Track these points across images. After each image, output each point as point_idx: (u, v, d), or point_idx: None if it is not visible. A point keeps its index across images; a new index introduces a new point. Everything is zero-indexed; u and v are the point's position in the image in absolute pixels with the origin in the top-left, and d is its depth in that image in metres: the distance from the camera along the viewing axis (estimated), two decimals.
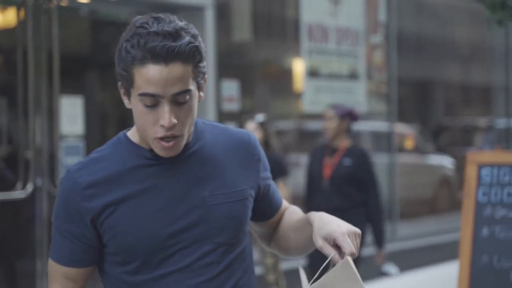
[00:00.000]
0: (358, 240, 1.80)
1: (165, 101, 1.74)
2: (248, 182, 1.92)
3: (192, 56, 1.74)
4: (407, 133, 10.79)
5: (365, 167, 5.56)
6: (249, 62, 8.76)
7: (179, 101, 1.76)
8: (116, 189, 1.82)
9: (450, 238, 9.58)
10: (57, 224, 1.87)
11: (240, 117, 7.92)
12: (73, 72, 6.35)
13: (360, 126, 9.70)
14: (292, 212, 2.06)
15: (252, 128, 5.93)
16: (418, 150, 11.07)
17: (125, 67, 1.75)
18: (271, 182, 2.03)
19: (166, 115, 1.74)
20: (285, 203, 2.09)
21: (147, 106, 1.75)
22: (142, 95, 1.74)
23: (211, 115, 6.93)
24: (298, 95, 8.80)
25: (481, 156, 4.85)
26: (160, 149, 1.80)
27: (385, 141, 9.79)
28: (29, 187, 5.71)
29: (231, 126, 2.02)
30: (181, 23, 1.76)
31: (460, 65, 11.99)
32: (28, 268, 5.78)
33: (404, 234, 9.70)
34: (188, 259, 1.84)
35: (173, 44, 1.71)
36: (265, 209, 2.02)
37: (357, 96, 9.11)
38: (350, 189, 5.54)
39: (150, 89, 1.73)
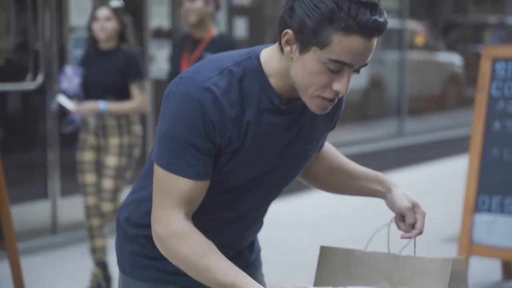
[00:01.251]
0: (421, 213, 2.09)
1: (350, 70, 1.75)
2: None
3: (385, 29, 1.75)
4: (417, 29, 10.66)
5: None
6: None
7: (357, 69, 1.78)
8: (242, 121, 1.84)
9: (458, 133, 9.59)
10: (182, 135, 1.78)
11: (251, 12, 7.80)
12: None
13: None
14: (336, 154, 2.16)
15: (103, 16, 4.59)
16: (428, 47, 10.96)
17: (322, 27, 1.71)
18: None
19: (346, 83, 1.75)
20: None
21: (330, 70, 1.74)
22: (335, 61, 1.72)
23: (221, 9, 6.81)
24: None
25: (496, 50, 4.77)
26: (317, 107, 1.80)
27: (396, 38, 9.68)
28: (39, 78, 5.67)
29: None
30: None
31: None
32: (39, 159, 5.80)
33: (413, 129, 9.71)
34: (258, 196, 1.97)
35: (382, 21, 1.72)
36: None
37: None
38: None
39: (347, 59, 1.72)
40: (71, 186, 5.86)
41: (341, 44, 1.70)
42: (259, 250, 2.19)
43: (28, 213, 5.64)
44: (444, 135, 10.00)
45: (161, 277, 1.99)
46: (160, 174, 1.82)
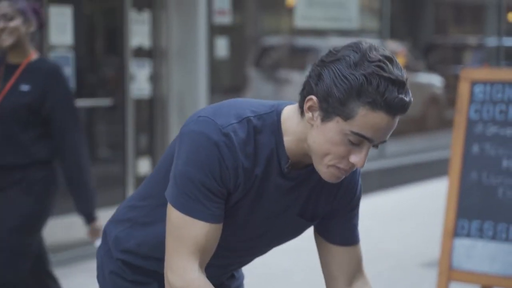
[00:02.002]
0: None
1: (370, 144, 1.76)
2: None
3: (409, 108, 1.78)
4: (398, 50, 10.71)
5: (55, 96, 3.59)
6: None
7: (376, 145, 1.78)
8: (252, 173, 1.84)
9: (439, 155, 9.62)
10: (198, 177, 1.78)
11: (232, 32, 7.81)
12: None
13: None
14: None
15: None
16: (408, 67, 11.01)
17: (349, 99, 1.71)
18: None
19: (364, 157, 1.75)
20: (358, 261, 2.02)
21: (350, 142, 1.74)
22: (357, 134, 1.72)
23: (202, 29, 6.82)
24: (289, 10, 8.67)
25: (474, 73, 4.79)
26: (331, 175, 1.79)
27: None
28: None
29: None
30: (403, 71, 1.76)
31: None
32: None
33: (393, 151, 9.73)
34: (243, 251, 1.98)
35: (407, 101, 1.73)
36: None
37: (350, 11, 8.98)
38: (27, 133, 3.59)
39: (369, 133, 1.73)
40: None
41: (366, 118, 1.70)
42: (242, 277, 2.19)
43: None
44: (425, 157, 10.03)
45: None
46: (174, 216, 1.80)
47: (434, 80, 11.34)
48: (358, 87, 1.69)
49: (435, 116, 11.25)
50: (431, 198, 8.03)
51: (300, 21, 8.51)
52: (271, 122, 1.82)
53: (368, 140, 1.73)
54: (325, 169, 1.77)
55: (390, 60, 1.72)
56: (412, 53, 11.06)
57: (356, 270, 1.97)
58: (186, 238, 1.78)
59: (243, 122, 1.79)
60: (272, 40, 8.96)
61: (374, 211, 7.70)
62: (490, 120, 4.59)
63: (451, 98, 4.90)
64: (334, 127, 1.72)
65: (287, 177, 1.84)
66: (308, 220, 1.94)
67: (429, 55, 11.77)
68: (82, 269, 5.56)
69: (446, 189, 4.62)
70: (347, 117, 1.70)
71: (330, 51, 1.76)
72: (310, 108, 1.75)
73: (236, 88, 8.43)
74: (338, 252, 1.95)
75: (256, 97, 1.86)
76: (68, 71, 5.88)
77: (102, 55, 6.92)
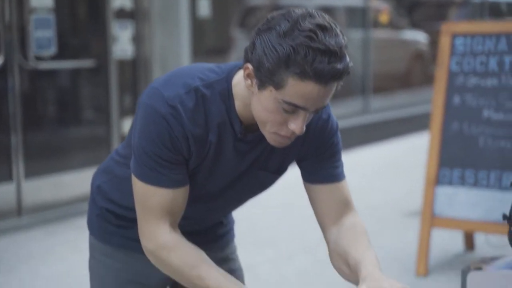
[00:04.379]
0: None
1: (306, 112, 1.75)
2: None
3: (347, 74, 1.74)
4: (382, 8, 10.77)
5: None
6: None
7: (316, 111, 1.78)
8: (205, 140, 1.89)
9: (422, 110, 9.74)
10: (151, 149, 1.84)
11: None
12: None
13: (335, 1, 9.67)
14: (354, 236, 1.95)
15: None
16: (392, 25, 11.08)
17: (278, 70, 1.71)
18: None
19: (300, 124, 1.76)
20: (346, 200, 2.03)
21: (285, 110, 1.75)
22: (289, 104, 1.73)
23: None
24: None
25: (455, 26, 4.90)
26: (274, 142, 1.82)
27: (360, 17, 9.78)
28: (0, 60, 5.69)
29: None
30: (342, 38, 1.72)
31: None
32: (3, 142, 5.83)
33: (377, 107, 9.85)
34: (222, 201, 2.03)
35: (340, 68, 1.69)
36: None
37: None
38: None
39: (301, 103, 1.73)
40: (35, 168, 5.92)
41: (296, 88, 1.70)
42: (232, 223, 2.28)
43: None
44: (409, 112, 10.17)
45: (125, 243, 2.10)
46: (138, 186, 1.88)
47: (419, 37, 11.42)
48: (286, 57, 1.68)
49: (420, 72, 11.36)
50: (415, 152, 8.16)
51: None
52: (220, 89, 1.86)
53: (301, 108, 1.74)
54: (268, 135, 1.81)
55: (323, 28, 1.69)
56: (396, 10, 11.13)
57: (344, 206, 2.00)
58: (152, 205, 1.86)
59: (191, 92, 1.83)
60: (257, 0, 9.00)
61: (357, 165, 7.84)
62: (470, 71, 4.71)
63: (436, 54, 5.00)
64: (268, 96, 1.74)
65: (243, 140, 1.89)
66: (273, 173, 1.99)
67: (413, 12, 11.83)
68: (72, 226, 5.67)
69: (429, 141, 4.75)
70: (277, 87, 1.71)
71: (266, 19, 1.77)
72: (248, 76, 1.78)
73: (220, 49, 8.46)
74: (323, 191, 1.99)
75: (241, 59, 1.86)
76: (50, 33, 5.94)
77: (83, 16, 6.96)
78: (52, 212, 5.91)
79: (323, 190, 1.99)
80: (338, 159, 2.02)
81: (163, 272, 1.94)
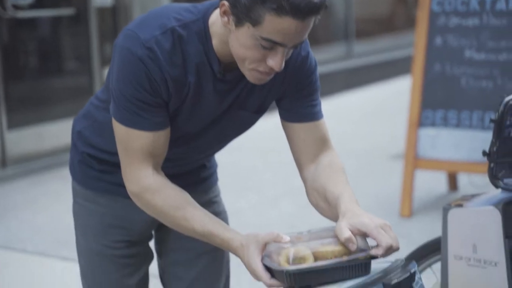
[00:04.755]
0: (393, 233, 1.71)
1: (284, 48, 1.74)
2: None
3: (324, 8, 1.72)
4: None
5: None
6: None
7: (295, 46, 1.76)
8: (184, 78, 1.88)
9: (406, 53, 9.74)
10: (129, 92, 1.82)
11: None
12: None
13: None
14: (332, 173, 1.95)
15: None
16: None
17: (254, 6, 1.68)
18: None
19: (279, 60, 1.75)
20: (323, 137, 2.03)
21: (263, 46, 1.73)
22: (267, 40, 1.71)
23: None
24: None
25: None
26: (254, 79, 1.81)
27: None
28: None
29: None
30: None
31: None
32: None
33: (361, 51, 9.84)
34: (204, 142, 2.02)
35: (317, 2, 1.68)
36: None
37: None
38: None
39: (279, 39, 1.71)
40: (18, 119, 5.90)
41: (273, 24, 1.68)
42: (215, 166, 2.28)
43: None
44: (393, 56, 10.16)
45: (108, 187, 2.10)
46: (118, 130, 1.88)
47: None
48: None
49: (403, 15, 11.32)
50: (399, 96, 8.19)
51: None
52: (197, 30, 1.83)
53: (280, 44, 1.72)
54: (247, 72, 1.81)
55: None
56: None
57: (322, 145, 2.01)
58: (134, 149, 1.86)
59: (167, 32, 1.82)
60: None
61: (341, 111, 7.86)
62: (452, 11, 4.70)
63: None
64: (246, 32, 1.72)
65: (223, 80, 1.88)
66: (254, 112, 1.99)
67: None
68: (56, 176, 5.69)
69: (411, 83, 4.76)
70: (254, 23, 1.70)
71: None
72: (225, 13, 1.76)
73: None
74: (301, 130, 2.00)
75: None
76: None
77: None
78: (36, 163, 5.91)
79: (302, 128, 2.00)
80: (316, 98, 2.03)
81: (148, 217, 1.95)
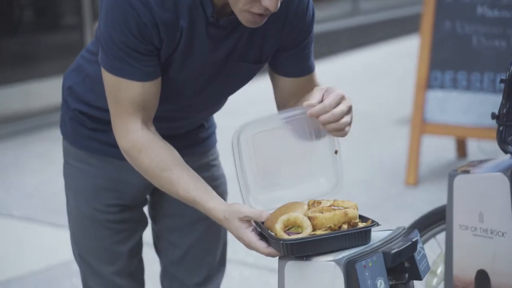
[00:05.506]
0: (343, 106, 1.83)
1: None
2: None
3: None
4: None
5: None
6: None
7: None
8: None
9: (415, 10, 9.69)
10: (118, 38, 1.82)
11: None
12: None
13: None
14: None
15: None
16: None
17: None
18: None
19: (274, 0, 1.75)
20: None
21: None
22: None
23: None
24: None
25: None
26: (247, 21, 1.81)
27: None
28: None
29: None
30: None
31: None
32: None
33: (367, 8, 9.78)
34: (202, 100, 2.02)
35: None
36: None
37: None
38: None
39: None
40: (4, 76, 5.90)
41: None
42: (214, 126, 2.28)
43: None
44: (400, 13, 10.11)
45: (101, 147, 2.10)
46: (107, 79, 1.88)
47: None
48: None
49: None
50: (405, 56, 8.16)
51: None
52: None
53: None
54: (241, 15, 1.81)
55: None
56: None
57: (311, 90, 2.02)
58: (123, 100, 1.86)
59: None
60: None
61: (346, 71, 7.84)
62: None
63: None
64: None
65: (217, 25, 1.87)
66: (254, 63, 1.99)
67: None
68: (44, 137, 5.70)
69: (419, 42, 4.74)
70: None
71: None
72: None
73: None
74: (293, 83, 2.02)
75: None
76: None
77: None
78: (24, 123, 5.91)
79: (295, 82, 2.03)
80: (311, 49, 2.04)
81: (143, 180, 1.95)
